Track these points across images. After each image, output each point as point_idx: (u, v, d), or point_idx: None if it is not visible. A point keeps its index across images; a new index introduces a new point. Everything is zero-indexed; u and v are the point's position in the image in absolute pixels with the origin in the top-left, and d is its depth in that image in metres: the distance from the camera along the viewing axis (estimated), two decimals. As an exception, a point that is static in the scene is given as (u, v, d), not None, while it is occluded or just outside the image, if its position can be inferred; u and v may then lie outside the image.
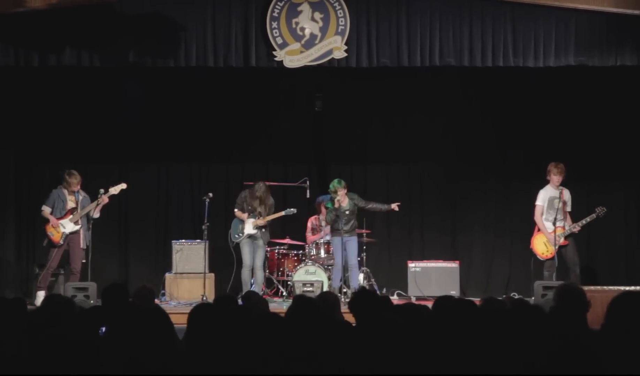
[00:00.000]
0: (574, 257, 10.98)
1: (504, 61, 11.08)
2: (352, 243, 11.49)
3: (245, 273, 11.40)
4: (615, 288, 9.48)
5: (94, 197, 11.08)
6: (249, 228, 11.49)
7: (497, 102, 12.90)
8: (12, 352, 4.12)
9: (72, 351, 3.92)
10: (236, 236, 11.51)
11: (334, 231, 11.45)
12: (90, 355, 3.89)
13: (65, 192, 11.04)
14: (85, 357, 3.89)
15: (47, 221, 11.00)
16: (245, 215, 11.47)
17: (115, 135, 12.78)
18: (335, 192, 11.31)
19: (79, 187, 11.04)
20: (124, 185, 11.23)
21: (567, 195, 11.11)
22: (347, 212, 11.34)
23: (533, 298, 10.30)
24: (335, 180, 11.42)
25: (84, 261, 11.00)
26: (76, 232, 10.99)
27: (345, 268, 11.51)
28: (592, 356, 3.75)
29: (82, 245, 11.01)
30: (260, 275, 11.51)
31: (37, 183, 12.53)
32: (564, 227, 10.99)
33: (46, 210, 11.03)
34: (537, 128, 12.82)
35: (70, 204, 11.03)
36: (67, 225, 10.96)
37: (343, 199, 11.33)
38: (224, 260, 11.69)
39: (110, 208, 11.58)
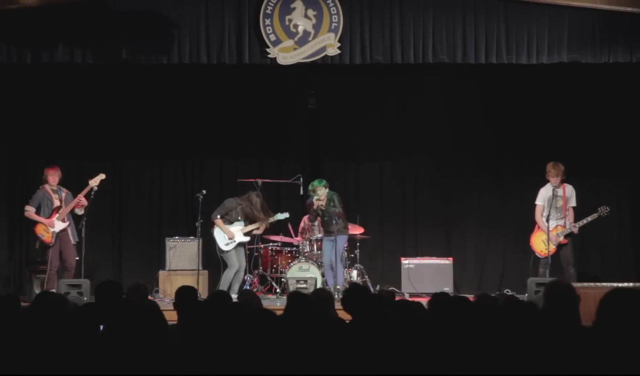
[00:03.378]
0: (569, 257, 10.98)
1: (497, 58, 11.08)
2: (339, 241, 11.39)
3: (230, 274, 11.43)
4: (608, 284, 9.50)
5: (79, 192, 11.02)
6: (239, 236, 11.54)
7: (490, 100, 12.92)
8: (6, 349, 4.11)
9: (65, 348, 3.92)
10: (226, 245, 11.52)
11: (325, 232, 11.51)
12: (83, 352, 3.88)
13: (49, 190, 11.00)
14: (78, 354, 3.88)
15: (35, 223, 10.95)
16: (231, 232, 11.47)
17: (109, 132, 12.77)
18: (314, 191, 11.32)
19: (57, 180, 10.96)
20: (102, 176, 11.11)
21: (569, 191, 11.08)
22: (325, 217, 11.38)
23: (527, 295, 10.32)
24: (315, 180, 11.45)
25: (77, 258, 10.99)
26: (65, 230, 10.96)
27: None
28: (584, 352, 3.77)
29: (73, 241, 11.00)
30: (242, 274, 11.58)
31: (30, 180, 12.47)
32: (564, 226, 10.99)
33: (30, 210, 10.96)
34: (530, 125, 12.84)
35: (56, 203, 10.99)
36: (56, 224, 10.92)
37: (323, 199, 11.34)
38: (217, 258, 11.68)
39: (103, 204, 11.57)
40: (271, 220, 11.74)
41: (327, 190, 11.38)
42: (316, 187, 11.32)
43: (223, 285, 11.31)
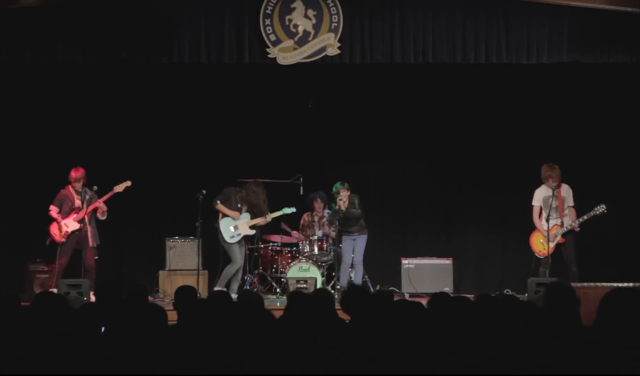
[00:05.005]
0: (571, 255, 11.00)
1: (497, 58, 11.09)
2: (361, 241, 11.69)
3: (232, 269, 11.42)
4: (608, 284, 9.49)
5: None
6: (245, 229, 11.54)
7: (490, 100, 12.90)
8: (6, 349, 4.11)
9: (64, 348, 3.92)
10: (231, 238, 11.50)
11: (344, 232, 11.58)
12: (82, 352, 3.88)
13: (73, 191, 11.09)
14: (78, 354, 3.88)
15: (52, 220, 11.05)
16: (236, 213, 11.49)
17: (108, 132, 12.77)
18: (338, 193, 11.48)
19: (82, 182, 11.05)
20: (128, 183, 11.28)
21: (564, 190, 11.10)
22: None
23: (527, 295, 10.32)
24: (338, 182, 11.64)
25: (96, 258, 11.10)
26: (79, 231, 11.01)
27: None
28: (584, 352, 3.77)
29: (92, 243, 11.04)
30: (240, 273, 11.61)
31: (29, 180, 12.49)
32: (561, 225, 11.00)
33: (53, 210, 11.12)
34: (530, 125, 12.83)
35: (77, 203, 11.08)
36: (70, 224, 11.03)
37: (345, 201, 11.45)
38: (218, 257, 11.69)
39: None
40: (275, 214, 11.76)
41: (348, 192, 11.60)
42: (339, 189, 11.56)
43: (222, 280, 11.29)
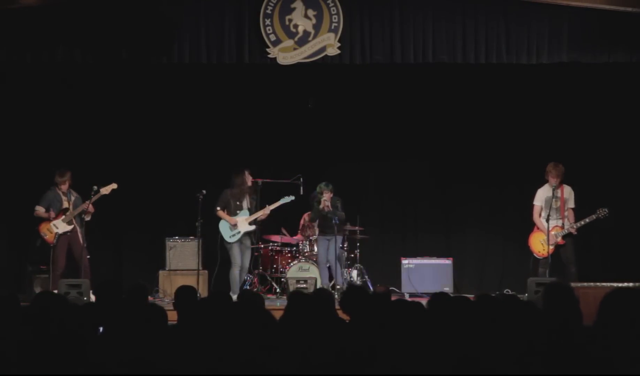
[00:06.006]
0: (570, 256, 10.99)
1: (497, 58, 11.09)
2: (336, 241, 11.62)
3: (235, 272, 11.40)
4: (608, 284, 9.50)
5: (86, 195, 11.14)
6: (244, 226, 11.51)
7: (490, 100, 12.91)
8: (6, 349, 4.11)
9: (64, 348, 3.92)
10: (231, 237, 11.48)
11: (320, 232, 11.57)
12: (82, 352, 3.88)
13: (60, 192, 11.13)
14: (78, 354, 3.88)
15: (40, 221, 11.08)
16: (234, 219, 11.45)
17: (108, 132, 12.77)
18: (321, 193, 11.49)
19: (68, 184, 11.11)
20: (114, 185, 11.29)
21: (567, 192, 11.10)
22: (328, 215, 11.48)
23: (527, 295, 10.33)
24: (323, 183, 11.62)
25: (88, 257, 11.12)
26: (70, 232, 11.07)
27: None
28: (584, 352, 3.77)
29: (82, 242, 11.09)
30: (244, 275, 11.57)
31: (29, 180, 12.48)
32: (562, 226, 11.00)
33: (39, 209, 11.17)
34: (530, 125, 12.83)
35: (65, 205, 11.12)
36: (60, 225, 11.07)
37: (328, 201, 11.46)
38: (218, 257, 11.68)
39: (103, 205, 11.57)
40: (274, 205, 11.72)
41: (332, 194, 11.59)
42: (323, 189, 11.56)
43: (233, 287, 11.24)
